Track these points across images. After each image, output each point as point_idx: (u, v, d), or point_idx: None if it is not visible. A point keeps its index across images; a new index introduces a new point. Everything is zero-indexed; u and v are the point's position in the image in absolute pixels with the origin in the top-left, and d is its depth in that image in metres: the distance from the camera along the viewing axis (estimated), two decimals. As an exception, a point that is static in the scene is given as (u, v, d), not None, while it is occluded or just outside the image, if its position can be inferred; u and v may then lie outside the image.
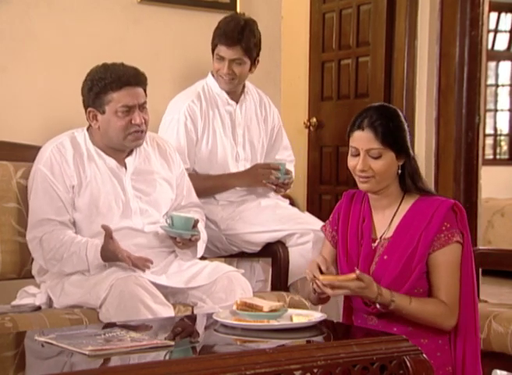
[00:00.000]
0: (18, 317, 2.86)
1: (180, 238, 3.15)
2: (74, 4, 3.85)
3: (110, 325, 2.54)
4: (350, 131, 2.72)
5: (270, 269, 3.69)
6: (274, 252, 3.60)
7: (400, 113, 2.75)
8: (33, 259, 3.21)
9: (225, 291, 3.09)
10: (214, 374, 2.05)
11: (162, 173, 3.32)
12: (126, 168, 3.23)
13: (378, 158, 2.68)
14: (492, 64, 8.92)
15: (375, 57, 5.68)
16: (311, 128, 6.25)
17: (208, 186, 3.71)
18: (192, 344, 2.43)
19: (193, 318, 2.89)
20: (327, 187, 6.15)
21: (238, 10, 4.16)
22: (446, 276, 2.66)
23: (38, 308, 3.05)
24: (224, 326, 2.47)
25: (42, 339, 2.27)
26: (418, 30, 5.48)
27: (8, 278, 3.27)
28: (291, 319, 2.51)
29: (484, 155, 6.30)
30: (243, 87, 3.84)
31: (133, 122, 3.13)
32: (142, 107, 3.17)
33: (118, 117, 3.13)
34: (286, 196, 4.04)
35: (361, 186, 2.74)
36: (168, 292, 3.08)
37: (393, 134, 2.68)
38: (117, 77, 3.12)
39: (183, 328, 2.63)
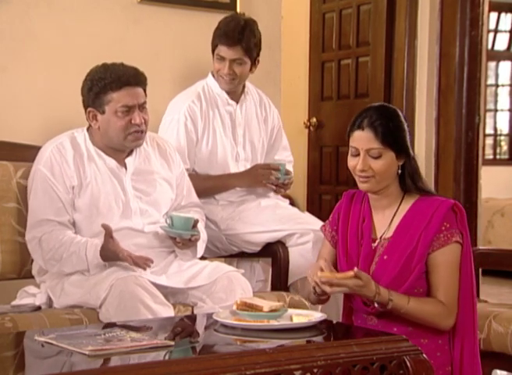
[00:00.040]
0: (18, 317, 2.86)
1: (180, 238, 3.15)
2: (74, 4, 3.85)
3: (110, 325, 2.54)
4: (350, 131, 2.72)
5: (270, 269, 3.69)
6: (274, 252, 3.60)
7: (400, 113, 2.75)
8: (33, 259, 3.20)
9: (225, 291, 3.09)
10: (214, 374, 2.05)
11: (162, 173, 3.32)
12: (126, 168, 3.23)
13: (378, 158, 2.68)
14: (492, 64, 8.92)
15: (375, 57, 5.67)
16: (311, 128, 6.24)
17: (208, 186, 3.71)
18: (192, 344, 2.43)
19: (193, 318, 2.89)
20: (327, 187, 6.15)
21: (238, 10, 4.16)
22: (445, 276, 2.66)
23: (38, 308, 3.05)
24: (224, 326, 2.47)
25: (42, 339, 2.27)
26: (418, 30, 5.47)
27: (8, 278, 3.27)
28: (291, 319, 2.51)
29: (484, 155, 6.31)
30: (244, 87, 3.84)
31: (132, 122, 3.13)
32: (142, 107, 3.16)
33: (118, 117, 3.13)
34: (286, 196, 4.03)
35: (361, 186, 2.74)
36: (168, 292, 3.08)
37: (393, 134, 2.68)
38: (117, 77, 3.11)
39: (183, 328, 2.63)
